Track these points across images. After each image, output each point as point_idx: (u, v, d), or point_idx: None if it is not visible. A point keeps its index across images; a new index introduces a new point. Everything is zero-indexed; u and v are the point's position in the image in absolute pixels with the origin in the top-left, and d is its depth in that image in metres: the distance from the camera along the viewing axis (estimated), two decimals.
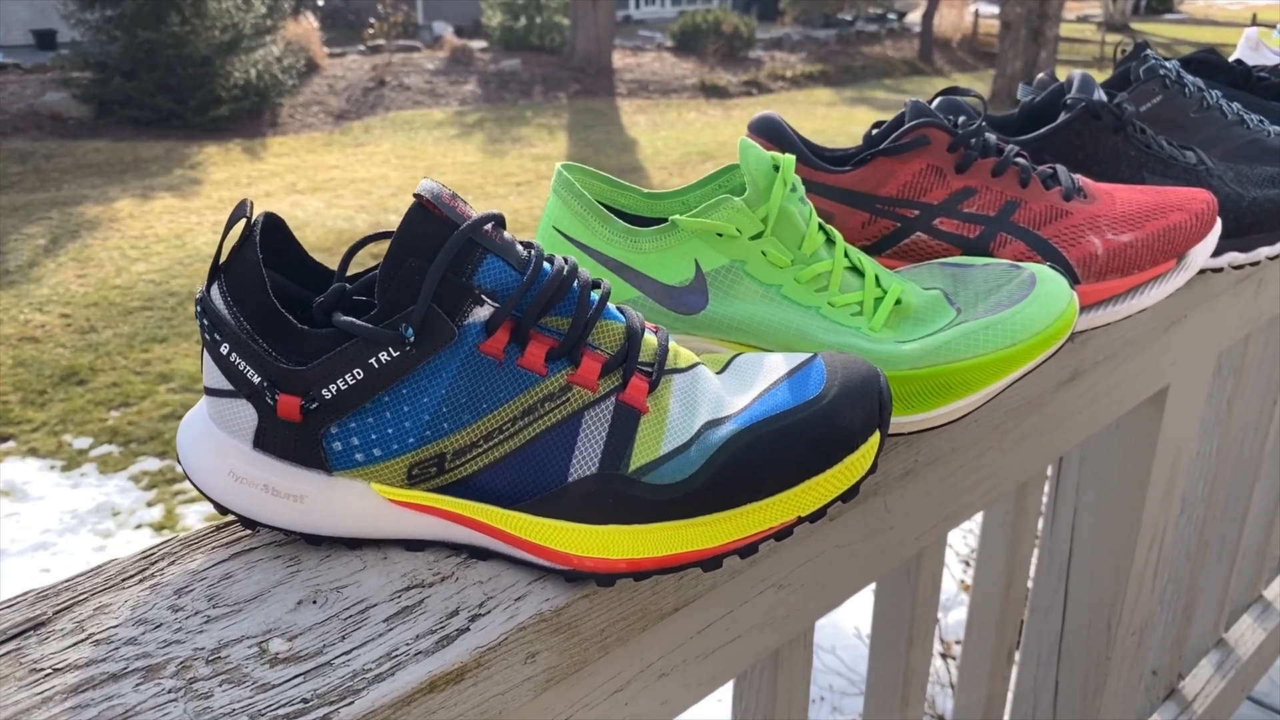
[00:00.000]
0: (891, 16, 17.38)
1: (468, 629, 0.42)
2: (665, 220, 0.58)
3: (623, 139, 9.09)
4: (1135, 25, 19.52)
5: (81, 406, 3.91)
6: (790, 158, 0.57)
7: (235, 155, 8.09)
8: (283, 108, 9.43)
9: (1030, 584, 1.07)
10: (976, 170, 0.68)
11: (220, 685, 0.38)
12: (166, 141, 8.34)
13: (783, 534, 0.46)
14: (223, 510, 0.47)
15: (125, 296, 4.99)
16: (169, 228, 6.11)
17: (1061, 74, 0.87)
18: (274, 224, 0.47)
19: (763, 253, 0.56)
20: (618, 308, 0.48)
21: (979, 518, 0.96)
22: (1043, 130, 0.78)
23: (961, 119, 0.72)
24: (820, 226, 0.59)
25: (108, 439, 3.68)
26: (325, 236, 5.91)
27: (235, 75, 8.98)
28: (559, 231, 0.58)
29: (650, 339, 0.48)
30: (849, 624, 2.20)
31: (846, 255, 0.59)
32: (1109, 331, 0.79)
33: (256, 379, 0.45)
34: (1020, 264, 0.61)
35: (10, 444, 3.65)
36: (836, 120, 10.11)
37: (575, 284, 0.46)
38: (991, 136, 0.70)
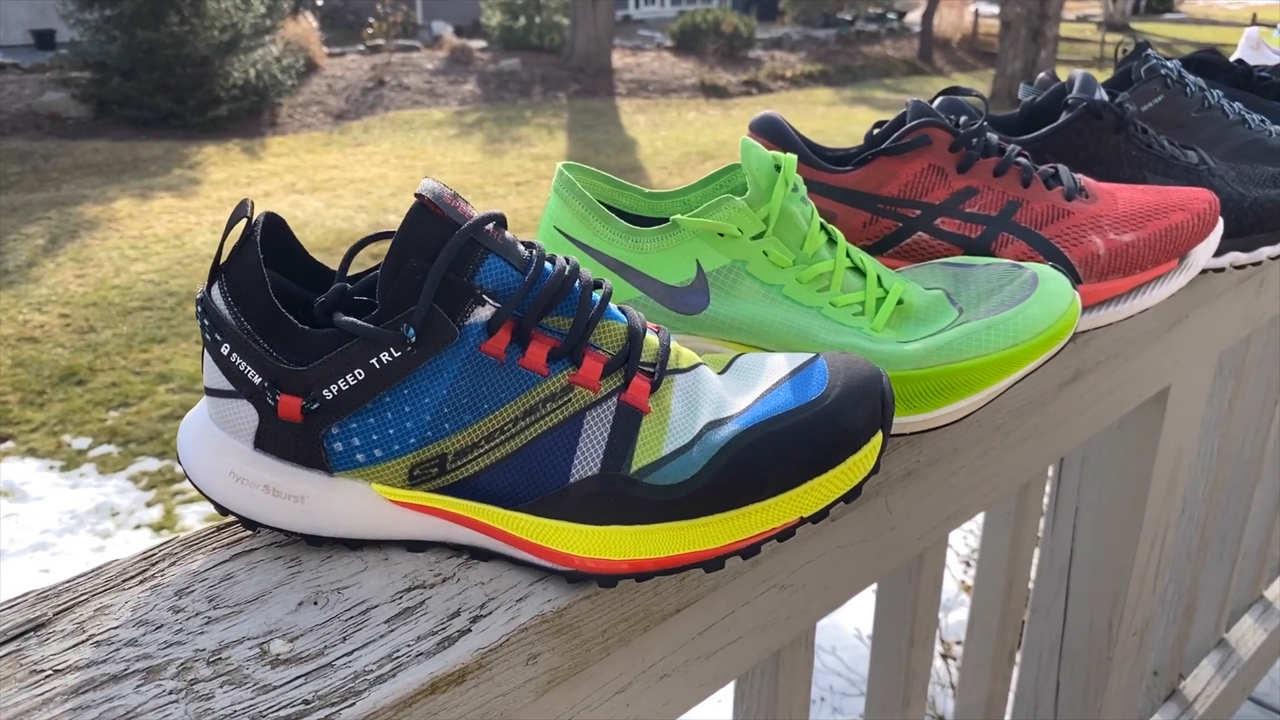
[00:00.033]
0: (891, 16, 17.38)
1: (469, 630, 0.42)
2: (666, 220, 0.58)
3: (622, 139, 9.09)
4: (1135, 25, 19.53)
5: (80, 407, 3.91)
6: (792, 157, 0.57)
7: (234, 155, 8.09)
8: (282, 108, 9.43)
9: (1031, 584, 1.07)
10: (978, 170, 0.68)
11: (221, 687, 0.38)
12: (165, 141, 8.34)
13: (785, 535, 0.46)
14: (223, 511, 0.47)
15: (124, 296, 4.99)
16: (168, 228, 6.11)
17: (1062, 74, 0.87)
18: (275, 224, 0.47)
19: (764, 253, 0.56)
20: (619, 308, 0.48)
21: (980, 518, 0.96)
22: (1044, 130, 0.78)
23: (963, 119, 0.71)
24: (822, 226, 0.59)
25: (107, 439, 3.68)
26: (324, 236, 5.91)
27: (234, 75, 8.98)
28: (560, 231, 0.58)
29: (652, 339, 0.48)
30: (849, 624, 2.20)
31: (848, 255, 0.59)
32: (1111, 331, 0.79)
33: (257, 379, 0.44)
34: (1022, 264, 0.61)
35: (9, 444, 3.65)
36: (836, 120, 10.11)
37: (577, 284, 0.46)
38: (993, 136, 0.70)
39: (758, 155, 0.57)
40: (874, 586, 0.72)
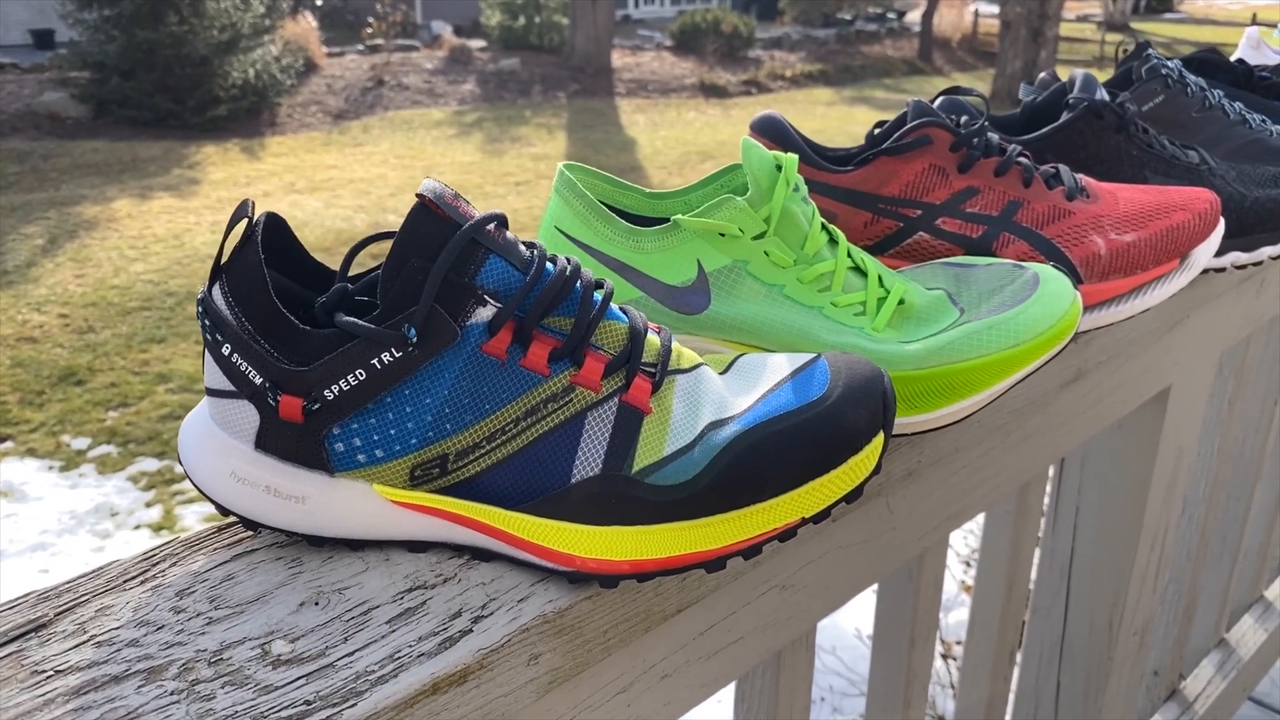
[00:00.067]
0: (891, 16, 17.38)
1: (470, 630, 0.42)
2: (667, 220, 0.58)
3: (622, 138, 9.09)
4: (1135, 25, 19.54)
5: (80, 407, 3.91)
6: (793, 157, 0.57)
7: (233, 155, 8.09)
8: (281, 107, 9.43)
9: (1032, 584, 1.07)
10: (979, 170, 0.68)
11: (223, 687, 0.38)
12: (165, 141, 8.33)
13: (786, 535, 0.46)
14: (224, 511, 0.47)
15: (123, 296, 4.99)
16: (167, 228, 6.11)
17: (1062, 74, 0.86)
18: (276, 224, 0.47)
19: (765, 253, 0.56)
20: (620, 308, 0.48)
21: (980, 518, 0.96)
22: (1045, 130, 0.78)
23: (964, 119, 0.71)
24: (823, 226, 0.59)
25: (106, 439, 3.68)
26: (324, 236, 5.91)
27: (233, 75, 8.98)
28: (561, 231, 0.58)
29: (653, 339, 0.48)
30: (849, 624, 2.20)
31: (849, 255, 0.59)
32: (1112, 331, 0.79)
33: (258, 380, 0.44)
34: (1023, 264, 0.61)
35: (8, 444, 3.65)
36: (836, 120, 10.11)
37: (578, 284, 0.46)
38: (994, 136, 0.70)
39: (759, 155, 0.57)
40: (874, 587, 0.72)
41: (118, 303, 4.91)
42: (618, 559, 0.44)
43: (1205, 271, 0.81)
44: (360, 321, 0.43)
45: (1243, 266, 0.82)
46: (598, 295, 0.47)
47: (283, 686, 0.38)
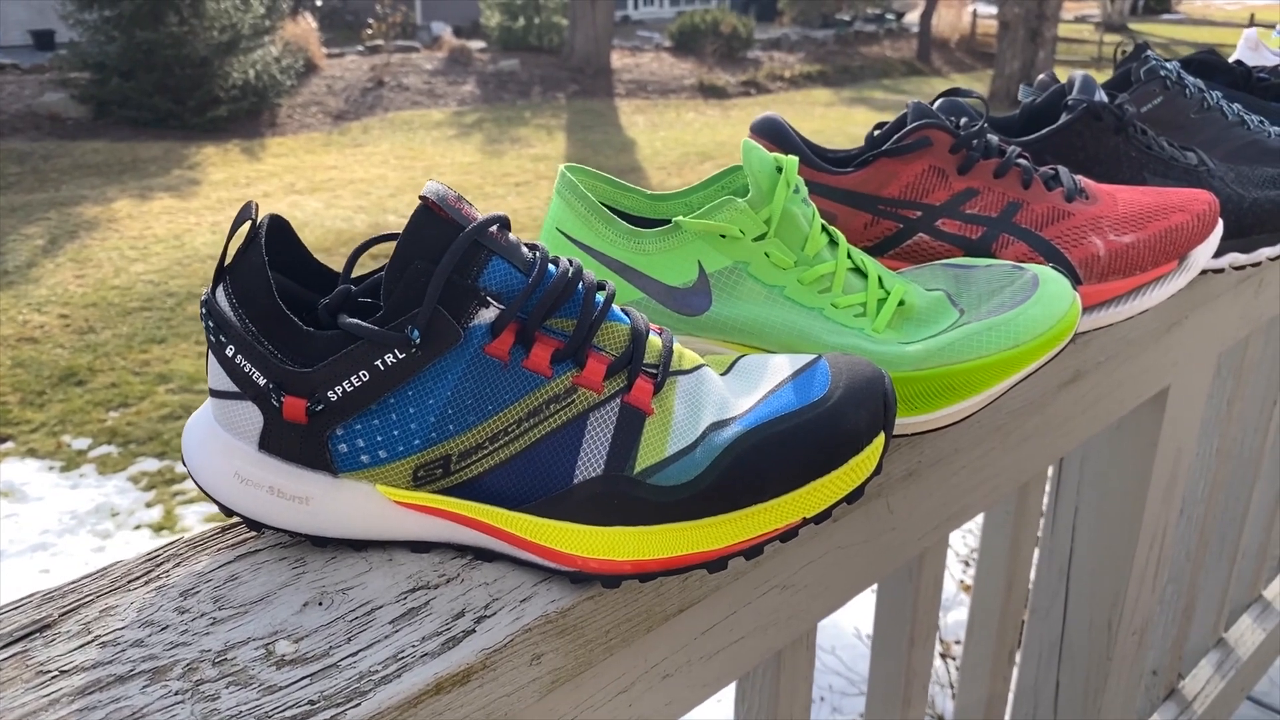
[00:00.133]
0: (889, 17, 17.39)
1: (473, 630, 0.42)
2: (668, 222, 0.58)
3: (621, 139, 9.09)
4: (1133, 26, 19.54)
5: (80, 407, 3.91)
6: (793, 159, 0.57)
7: (233, 156, 8.09)
8: (281, 108, 9.43)
9: (1031, 584, 1.08)
10: (978, 171, 0.68)
11: (227, 687, 0.38)
12: (165, 142, 8.34)
13: (787, 535, 0.46)
14: (228, 512, 0.47)
15: (124, 297, 4.99)
16: (167, 228, 6.11)
17: (1060, 75, 0.87)
18: (279, 226, 0.47)
19: (766, 254, 0.57)
20: (622, 309, 0.48)
21: (979, 518, 0.96)
22: (1044, 131, 0.78)
23: (963, 120, 0.72)
24: (823, 228, 0.59)
25: (106, 439, 3.68)
26: (324, 237, 5.91)
27: (233, 76, 8.98)
28: (562, 233, 0.58)
29: (655, 340, 0.48)
30: (849, 624, 2.20)
31: (849, 256, 0.59)
32: (1111, 332, 0.79)
33: (262, 381, 0.45)
34: (1023, 265, 0.61)
35: (9, 445, 3.65)
36: (835, 120, 10.11)
37: (580, 286, 0.46)
38: (993, 138, 0.70)
39: (759, 157, 0.57)
40: (874, 587, 0.72)
41: (118, 303, 4.91)
42: (620, 559, 0.44)
43: (1204, 272, 0.81)
44: (363, 323, 0.43)
45: (1241, 267, 0.82)
46: (600, 297, 0.47)
47: (287, 686, 0.38)
